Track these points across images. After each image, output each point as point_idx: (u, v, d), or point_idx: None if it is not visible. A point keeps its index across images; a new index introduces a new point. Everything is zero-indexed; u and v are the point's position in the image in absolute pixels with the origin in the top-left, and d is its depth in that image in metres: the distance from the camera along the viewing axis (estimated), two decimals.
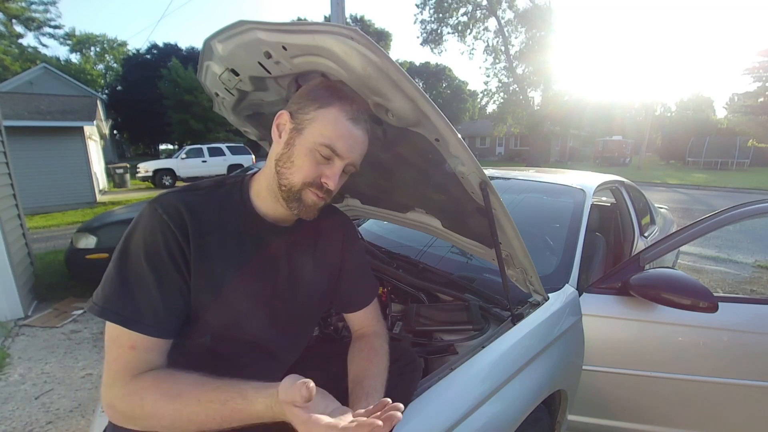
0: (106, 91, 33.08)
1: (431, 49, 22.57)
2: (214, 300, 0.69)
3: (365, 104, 0.74)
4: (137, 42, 62.70)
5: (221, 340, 0.72)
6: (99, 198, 9.49)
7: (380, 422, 0.51)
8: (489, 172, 2.21)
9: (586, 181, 2.00)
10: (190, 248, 0.66)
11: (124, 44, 36.78)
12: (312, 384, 0.52)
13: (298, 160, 0.69)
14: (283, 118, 0.73)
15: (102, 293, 0.62)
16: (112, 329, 0.61)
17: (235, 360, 0.75)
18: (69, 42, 33.46)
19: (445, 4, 19.96)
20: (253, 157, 13.77)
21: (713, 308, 1.14)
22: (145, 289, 0.62)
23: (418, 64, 43.78)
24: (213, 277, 0.69)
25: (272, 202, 0.75)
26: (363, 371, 0.79)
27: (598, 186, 1.97)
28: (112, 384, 0.60)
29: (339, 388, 0.88)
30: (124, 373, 0.60)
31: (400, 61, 7.28)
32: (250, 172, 0.80)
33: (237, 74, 0.87)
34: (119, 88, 32.03)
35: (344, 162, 0.71)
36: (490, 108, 24.34)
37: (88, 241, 3.18)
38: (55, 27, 28.08)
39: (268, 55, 0.74)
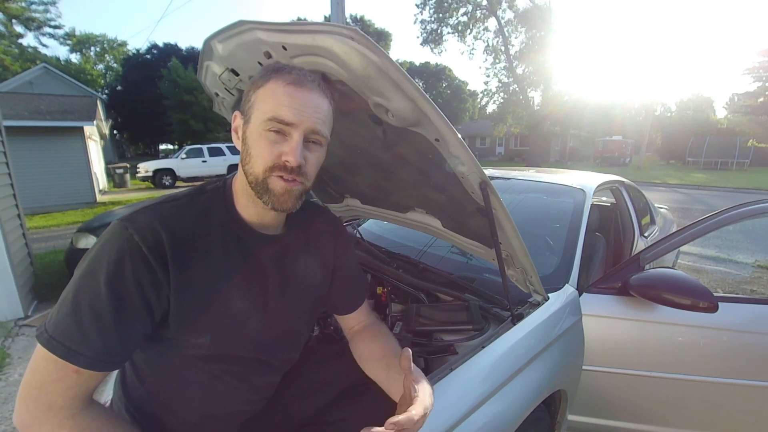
0: (106, 91, 33.08)
1: (431, 49, 22.57)
2: (201, 314, 0.65)
3: (318, 75, 0.69)
4: (137, 42, 62.77)
5: (213, 351, 0.69)
6: (99, 198, 9.49)
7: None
8: (489, 172, 2.21)
9: (586, 181, 2.00)
10: (168, 268, 0.61)
11: (124, 44, 36.80)
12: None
13: (253, 148, 0.65)
14: (236, 120, 0.69)
15: (54, 319, 0.56)
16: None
17: (230, 370, 0.73)
18: (69, 42, 33.45)
19: (445, 4, 19.96)
20: None
21: (713, 308, 1.14)
22: (99, 319, 0.56)
23: (418, 64, 43.77)
24: (198, 292, 0.65)
25: (252, 206, 0.70)
26: (381, 351, 0.83)
27: (598, 186, 1.97)
28: (48, 408, 0.55)
29: (338, 388, 0.89)
30: (62, 398, 0.56)
31: (400, 61, 7.28)
32: (230, 175, 0.77)
33: (237, 74, 0.87)
34: (119, 88, 32.05)
35: (299, 130, 0.63)
36: (490, 108, 24.36)
37: (88, 241, 3.18)
38: (55, 27, 28.02)
39: (268, 55, 0.74)
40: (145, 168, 12.42)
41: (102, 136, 12.87)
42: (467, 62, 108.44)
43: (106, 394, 0.98)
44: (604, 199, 2.98)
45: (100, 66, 36.37)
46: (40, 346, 0.56)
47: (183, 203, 0.68)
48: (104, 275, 0.57)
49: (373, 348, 0.85)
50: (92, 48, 35.93)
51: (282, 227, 0.78)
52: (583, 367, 1.31)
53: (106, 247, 0.59)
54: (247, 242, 0.72)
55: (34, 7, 25.40)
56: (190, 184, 12.54)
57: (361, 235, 1.78)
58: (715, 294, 1.16)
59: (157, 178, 12.38)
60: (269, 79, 0.64)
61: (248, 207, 0.71)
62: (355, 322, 0.93)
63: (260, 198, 0.67)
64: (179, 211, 0.66)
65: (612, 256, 2.29)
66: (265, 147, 0.64)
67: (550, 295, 1.24)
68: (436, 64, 43.55)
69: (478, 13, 19.90)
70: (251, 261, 0.72)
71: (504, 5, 18.96)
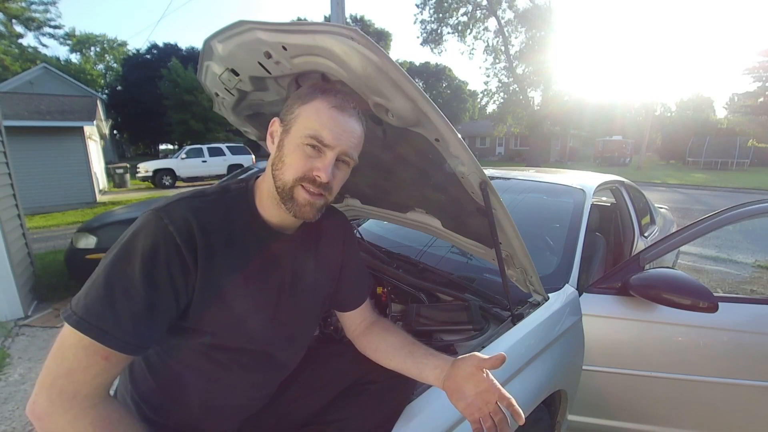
0: (106, 91, 33.11)
1: (431, 49, 22.59)
2: (217, 304, 0.68)
3: (356, 99, 0.73)
4: (137, 42, 62.82)
5: (223, 342, 0.71)
6: (99, 198, 9.49)
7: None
8: (489, 172, 2.21)
9: (586, 181, 2.00)
10: (197, 259, 0.64)
11: (124, 44, 36.84)
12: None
13: (288, 158, 0.68)
14: (275, 125, 0.73)
15: (84, 302, 0.57)
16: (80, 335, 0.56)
17: (239, 360, 0.75)
18: (69, 42, 33.47)
19: (445, 4, 19.95)
20: (253, 157, 13.78)
21: (713, 308, 1.14)
22: (132, 302, 0.57)
23: (418, 64, 43.82)
24: (220, 285, 0.68)
25: (275, 208, 0.73)
26: (400, 341, 0.86)
27: (598, 186, 1.97)
28: (73, 397, 0.55)
29: (338, 388, 0.89)
30: (88, 387, 0.56)
31: (400, 61, 7.27)
32: (251, 172, 0.79)
33: (237, 74, 0.87)
34: (119, 88, 32.10)
35: (335, 152, 0.68)
36: (490, 108, 24.35)
37: (88, 241, 3.18)
38: (55, 27, 28.09)
39: (268, 55, 0.74)
40: (145, 168, 12.43)
41: (102, 136, 12.87)
42: (467, 62, 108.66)
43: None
44: (604, 199, 2.98)
45: (100, 66, 36.39)
46: (69, 333, 0.56)
47: (212, 200, 0.71)
48: (139, 261, 0.59)
49: (390, 339, 0.87)
50: (92, 48, 35.94)
51: (297, 227, 0.81)
52: (583, 367, 1.31)
53: (140, 234, 0.61)
54: (266, 240, 0.75)
55: (34, 7, 25.46)
56: (190, 184, 12.56)
57: (361, 235, 1.78)
58: (715, 294, 1.17)
59: (157, 178, 12.39)
60: (315, 98, 0.68)
61: (271, 209, 0.74)
62: (360, 319, 0.94)
63: (284, 204, 0.71)
64: (209, 206, 0.69)
65: (612, 256, 2.29)
66: (300, 159, 0.68)
67: (550, 295, 1.24)
68: (436, 64, 43.59)
69: (478, 13, 19.90)
70: (268, 258, 0.75)
71: (504, 5, 18.96)
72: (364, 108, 0.77)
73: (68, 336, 0.57)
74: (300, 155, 0.68)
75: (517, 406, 0.67)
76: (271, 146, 0.73)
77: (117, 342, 0.57)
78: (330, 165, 0.68)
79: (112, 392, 0.84)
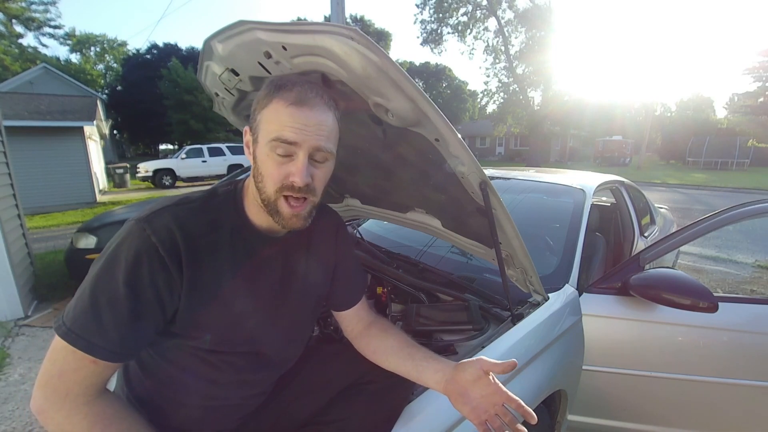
0: (106, 91, 33.12)
1: (431, 49, 22.59)
2: (209, 311, 0.68)
3: (320, 87, 0.68)
4: (137, 42, 62.81)
5: (213, 345, 0.71)
6: (99, 198, 9.50)
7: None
8: (489, 172, 2.21)
9: (586, 181, 2.00)
10: (182, 269, 0.63)
11: (124, 44, 36.84)
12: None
13: (263, 168, 0.66)
14: (247, 134, 0.71)
15: (72, 313, 0.59)
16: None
17: (232, 362, 0.74)
18: (69, 42, 33.46)
19: (445, 4, 19.96)
20: None
21: (713, 308, 1.14)
22: (116, 313, 0.58)
23: (418, 64, 43.83)
24: (207, 291, 0.67)
25: (263, 214, 0.72)
26: (398, 343, 0.85)
27: (598, 186, 1.97)
28: (65, 395, 0.58)
29: (338, 388, 0.89)
30: (79, 387, 0.59)
31: (400, 61, 7.27)
32: (241, 177, 0.78)
33: (237, 74, 0.87)
34: (119, 88, 32.11)
35: (303, 150, 0.64)
36: (490, 108, 24.37)
37: (88, 241, 3.18)
38: (55, 27, 28.08)
39: (268, 55, 0.74)
40: (145, 168, 12.42)
41: (102, 136, 12.87)
42: (467, 62, 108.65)
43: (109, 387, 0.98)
44: (604, 199, 2.98)
45: (100, 66, 36.39)
46: (59, 338, 0.58)
47: (197, 206, 0.70)
48: (122, 273, 0.59)
49: (389, 342, 0.86)
50: (92, 48, 35.93)
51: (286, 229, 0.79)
52: (583, 367, 1.31)
53: (123, 246, 0.61)
54: (255, 244, 0.74)
55: (34, 7, 25.45)
56: (190, 184, 12.55)
57: (361, 235, 1.78)
58: (715, 294, 1.17)
59: (157, 178, 12.38)
60: (272, 98, 0.64)
61: (259, 214, 0.73)
62: (357, 319, 0.93)
63: (272, 217, 0.69)
64: (193, 213, 0.68)
65: (612, 256, 2.29)
66: (273, 167, 0.65)
67: (550, 295, 1.24)
68: (436, 64, 43.60)
69: (478, 13, 19.90)
70: (257, 262, 0.74)
71: (504, 5, 18.96)
72: (364, 107, 0.77)
73: (59, 340, 0.59)
74: (272, 164, 0.65)
75: (527, 407, 0.67)
76: (249, 157, 0.71)
77: (102, 351, 0.58)
78: (303, 167, 0.65)
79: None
